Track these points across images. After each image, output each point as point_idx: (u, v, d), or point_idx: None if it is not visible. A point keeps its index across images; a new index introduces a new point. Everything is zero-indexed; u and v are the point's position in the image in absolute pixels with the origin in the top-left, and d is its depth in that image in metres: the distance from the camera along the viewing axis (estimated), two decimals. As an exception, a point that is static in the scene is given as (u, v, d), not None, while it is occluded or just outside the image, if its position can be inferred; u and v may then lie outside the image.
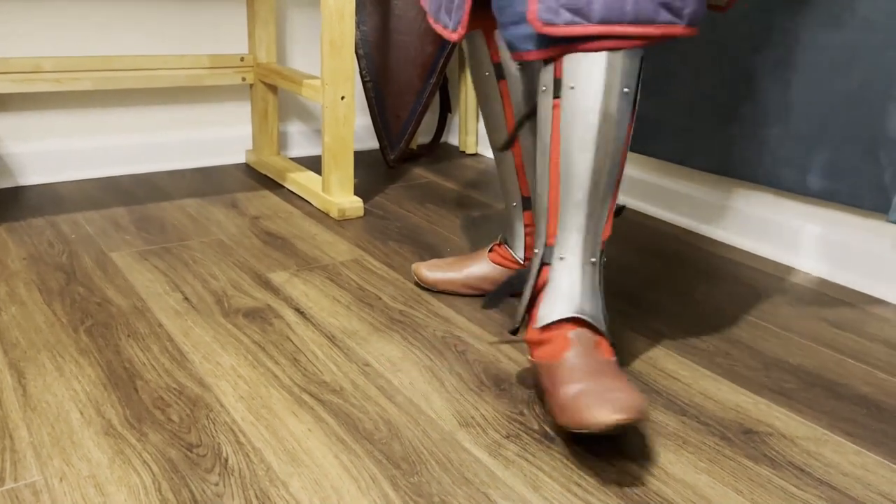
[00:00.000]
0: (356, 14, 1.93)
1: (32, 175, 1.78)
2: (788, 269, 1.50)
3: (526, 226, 1.26)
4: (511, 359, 1.10)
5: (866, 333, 1.24)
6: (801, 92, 1.42)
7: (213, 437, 0.89)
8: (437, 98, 2.33)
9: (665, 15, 0.90)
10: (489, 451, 0.89)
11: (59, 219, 1.56)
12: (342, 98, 1.61)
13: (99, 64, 1.75)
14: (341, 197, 1.67)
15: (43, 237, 1.45)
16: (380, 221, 1.65)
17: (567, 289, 0.95)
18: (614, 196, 0.99)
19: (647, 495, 0.83)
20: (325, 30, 1.56)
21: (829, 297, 1.38)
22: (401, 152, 2.05)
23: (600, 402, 0.83)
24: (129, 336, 1.11)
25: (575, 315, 0.94)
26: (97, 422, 0.90)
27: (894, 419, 1.00)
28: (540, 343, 0.96)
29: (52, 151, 1.79)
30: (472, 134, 2.26)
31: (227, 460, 0.85)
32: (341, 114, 1.63)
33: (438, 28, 1.10)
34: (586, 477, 0.85)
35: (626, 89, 0.96)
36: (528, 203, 1.25)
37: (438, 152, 2.28)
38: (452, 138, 2.40)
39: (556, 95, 0.97)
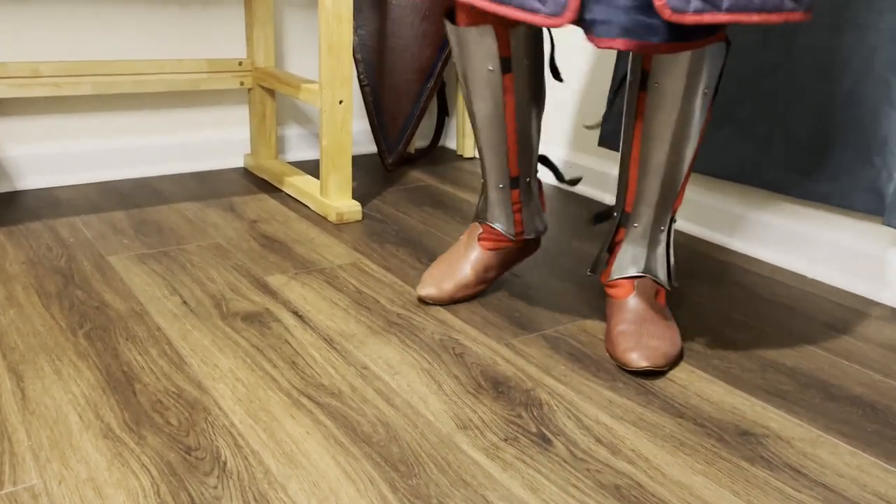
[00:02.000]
0: (354, 19, 1.94)
1: (31, 179, 1.78)
2: (783, 271, 1.50)
3: (514, 203, 1.28)
4: (509, 361, 1.10)
5: (861, 335, 1.24)
6: (795, 95, 1.42)
7: (211, 440, 0.89)
8: (434, 102, 2.33)
9: (789, 3, 0.92)
10: (487, 453, 0.89)
11: (58, 222, 1.56)
12: (340, 102, 1.62)
13: (97, 68, 1.76)
14: (339, 200, 1.68)
15: (41, 241, 1.46)
16: (378, 225, 1.65)
17: (637, 252, 1.17)
18: (687, 176, 1.13)
19: (644, 497, 0.83)
20: (323, 34, 1.56)
21: (823, 298, 1.38)
22: (399, 156, 2.06)
23: (636, 347, 1.08)
24: (127, 339, 1.11)
25: (640, 274, 1.16)
26: (96, 425, 0.91)
27: (888, 420, 1.00)
28: (612, 286, 1.19)
29: (51, 155, 1.80)
30: (469, 137, 2.26)
31: (225, 463, 0.85)
32: (339, 118, 1.63)
33: (514, 13, 0.95)
34: (584, 479, 0.86)
35: (705, 90, 1.03)
36: (515, 182, 1.27)
37: (436, 156, 2.28)
38: (450, 142, 2.41)
39: (643, 89, 1.07)
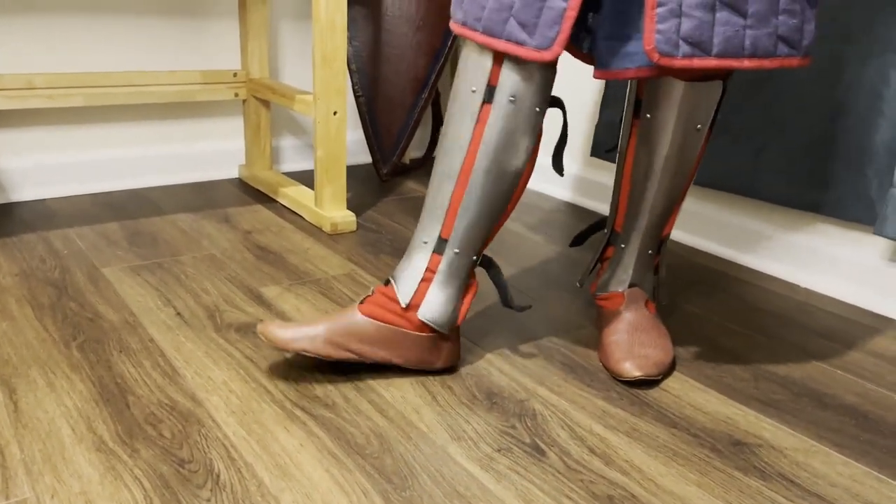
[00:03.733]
0: (348, 29, 1.94)
1: (24, 190, 1.78)
2: (776, 281, 1.51)
3: (427, 270, 1.04)
4: (503, 372, 1.10)
5: (854, 344, 1.25)
6: (786, 104, 1.43)
7: (204, 452, 0.89)
8: (429, 112, 2.34)
9: (783, 48, 0.91)
10: (481, 464, 0.89)
11: (51, 234, 1.56)
12: (334, 113, 1.62)
13: (91, 80, 1.76)
14: (334, 211, 1.68)
15: (35, 253, 1.46)
16: (372, 235, 1.66)
17: (623, 272, 1.18)
18: (677, 206, 1.13)
19: (638, 507, 0.83)
20: (317, 44, 1.57)
21: (816, 308, 1.39)
22: (393, 166, 2.06)
23: (629, 357, 1.08)
24: (120, 351, 1.11)
25: (625, 290, 1.17)
26: (88, 438, 0.90)
27: (881, 429, 1.01)
28: (601, 298, 1.21)
29: (45, 167, 1.79)
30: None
31: (218, 475, 0.85)
32: (333, 128, 1.63)
33: (500, 45, 0.92)
34: (577, 489, 0.86)
35: (699, 126, 1.03)
36: (441, 246, 1.03)
37: (431, 166, 2.29)
38: (444, 152, 2.41)
39: (636, 116, 1.09)
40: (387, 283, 1.07)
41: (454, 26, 0.99)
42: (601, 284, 1.21)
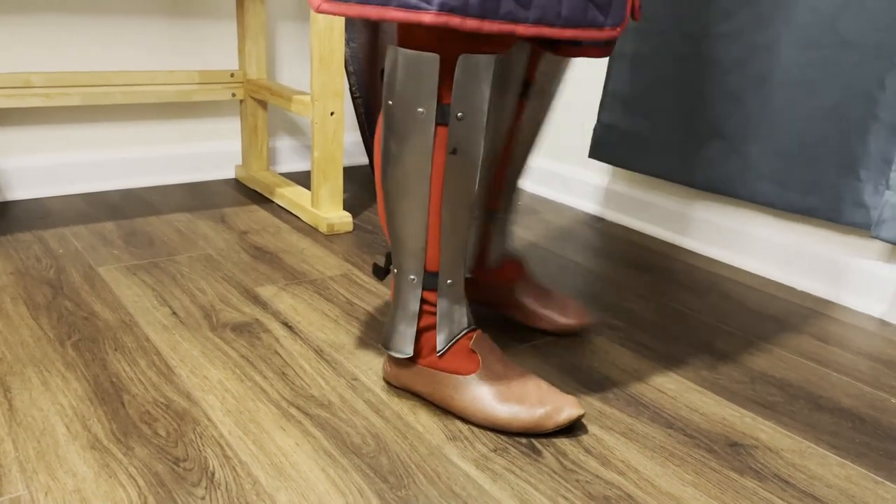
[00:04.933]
0: (346, 31, 1.95)
1: (20, 190, 1.78)
2: (772, 284, 1.51)
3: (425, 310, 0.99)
4: (499, 372, 1.10)
5: (849, 347, 1.25)
6: (781, 109, 1.44)
7: (199, 451, 0.88)
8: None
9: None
10: (476, 464, 0.89)
11: (47, 233, 1.55)
12: (331, 114, 1.62)
13: (88, 79, 1.76)
14: (330, 212, 1.68)
15: (30, 252, 1.45)
16: (368, 236, 1.65)
17: (508, 235, 1.23)
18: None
19: (634, 508, 0.83)
20: (315, 46, 1.57)
21: (812, 310, 1.39)
22: (390, 168, 2.06)
23: (563, 312, 1.22)
24: (116, 350, 1.10)
25: (513, 260, 1.23)
26: (83, 436, 0.90)
27: (877, 431, 1.01)
28: (496, 272, 1.23)
29: (41, 166, 1.79)
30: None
31: (213, 474, 0.85)
32: (330, 129, 1.63)
33: (585, 33, 0.88)
34: (573, 490, 0.86)
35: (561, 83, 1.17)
36: (433, 281, 0.97)
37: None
38: (441, 154, 2.41)
39: (523, 97, 1.14)
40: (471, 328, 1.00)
41: (520, 28, 0.84)
42: (494, 260, 1.22)
